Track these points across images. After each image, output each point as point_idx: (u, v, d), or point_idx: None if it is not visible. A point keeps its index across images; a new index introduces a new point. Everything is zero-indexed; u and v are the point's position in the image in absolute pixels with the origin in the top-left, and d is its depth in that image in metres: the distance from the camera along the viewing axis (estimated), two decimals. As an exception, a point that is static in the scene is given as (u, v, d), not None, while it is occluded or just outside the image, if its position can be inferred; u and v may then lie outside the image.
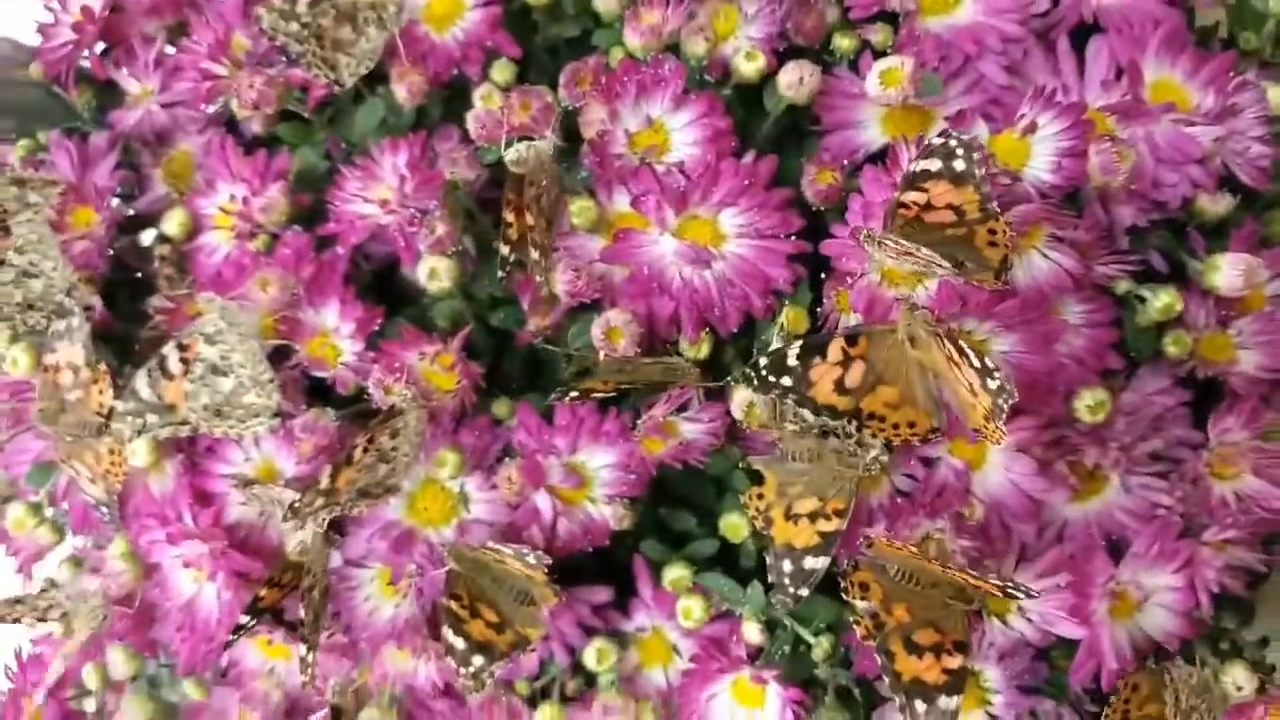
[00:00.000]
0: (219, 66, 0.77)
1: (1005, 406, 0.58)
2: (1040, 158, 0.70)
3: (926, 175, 0.63)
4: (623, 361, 0.67)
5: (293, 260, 0.73)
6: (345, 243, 0.73)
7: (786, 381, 0.65)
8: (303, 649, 0.68)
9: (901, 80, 0.67)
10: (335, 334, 0.71)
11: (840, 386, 0.65)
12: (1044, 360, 0.67)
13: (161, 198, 0.86)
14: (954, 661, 0.62)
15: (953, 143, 0.62)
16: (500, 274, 0.71)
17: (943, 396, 0.65)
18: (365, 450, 0.65)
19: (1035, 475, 0.69)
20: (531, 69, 0.80)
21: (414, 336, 0.69)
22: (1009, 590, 0.60)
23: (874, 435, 0.66)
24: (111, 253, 0.83)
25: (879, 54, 0.74)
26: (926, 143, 0.63)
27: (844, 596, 0.65)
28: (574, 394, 0.67)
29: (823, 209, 0.72)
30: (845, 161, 0.72)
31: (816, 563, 0.64)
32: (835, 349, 0.64)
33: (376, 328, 0.71)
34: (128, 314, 0.84)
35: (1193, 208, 0.71)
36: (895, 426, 0.66)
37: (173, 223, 0.78)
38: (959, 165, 0.62)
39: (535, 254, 0.69)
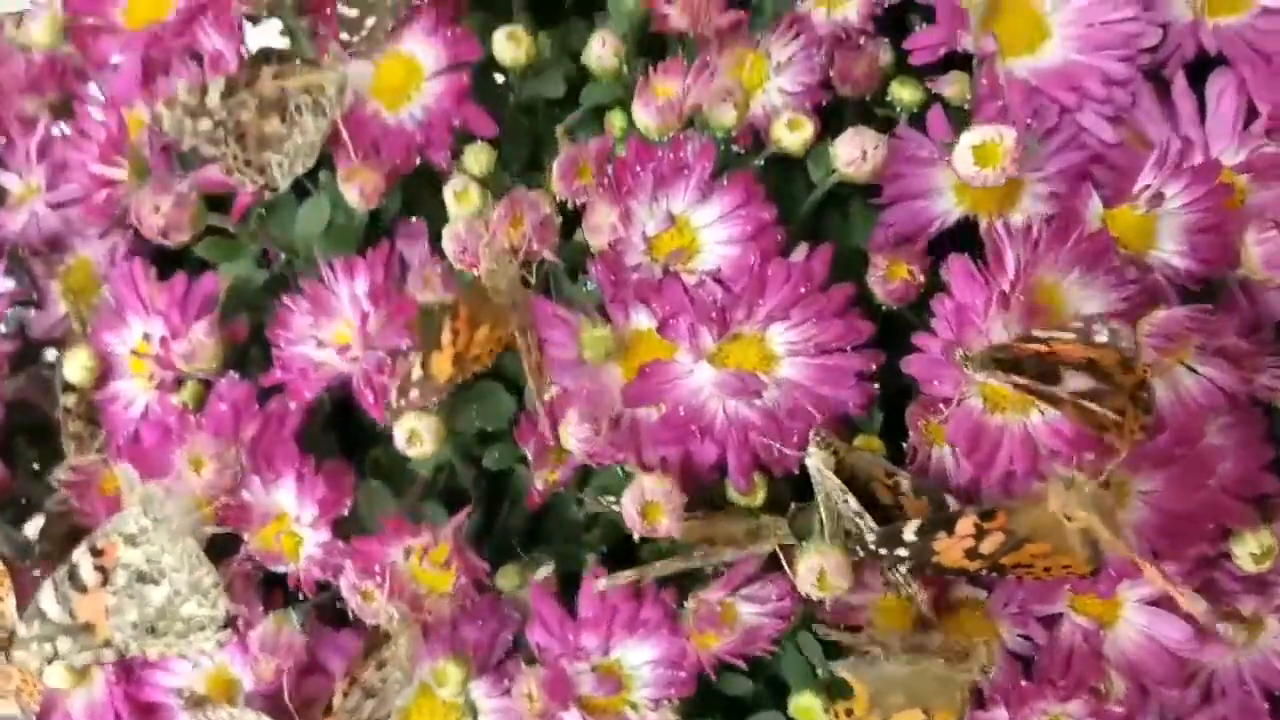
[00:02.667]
0: (114, 170, 0.61)
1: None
2: (1169, 238, 0.56)
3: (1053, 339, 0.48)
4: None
5: (230, 419, 0.57)
6: (297, 396, 0.57)
7: (902, 553, 0.51)
8: None
9: (1002, 159, 0.52)
10: (294, 520, 0.55)
11: (973, 553, 0.51)
12: (1193, 498, 0.53)
13: (61, 321, 0.70)
14: None
15: (1096, 328, 0.47)
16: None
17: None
18: (346, 694, 0.50)
19: (1184, 633, 0.55)
20: (505, 138, 0.65)
21: (396, 527, 0.54)
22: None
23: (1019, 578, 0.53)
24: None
25: (953, 108, 0.59)
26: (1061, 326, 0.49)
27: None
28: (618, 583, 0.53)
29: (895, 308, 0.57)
30: (919, 246, 0.57)
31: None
32: (966, 525, 0.50)
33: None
34: (31, 467, 0.68)
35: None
36: (1047, 569, 0.53)
37: (76, 366, 0.62)
38: (1100, 338, 0.47)
39: (537, 394, 0.54)
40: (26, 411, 0.69)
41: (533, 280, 0.54)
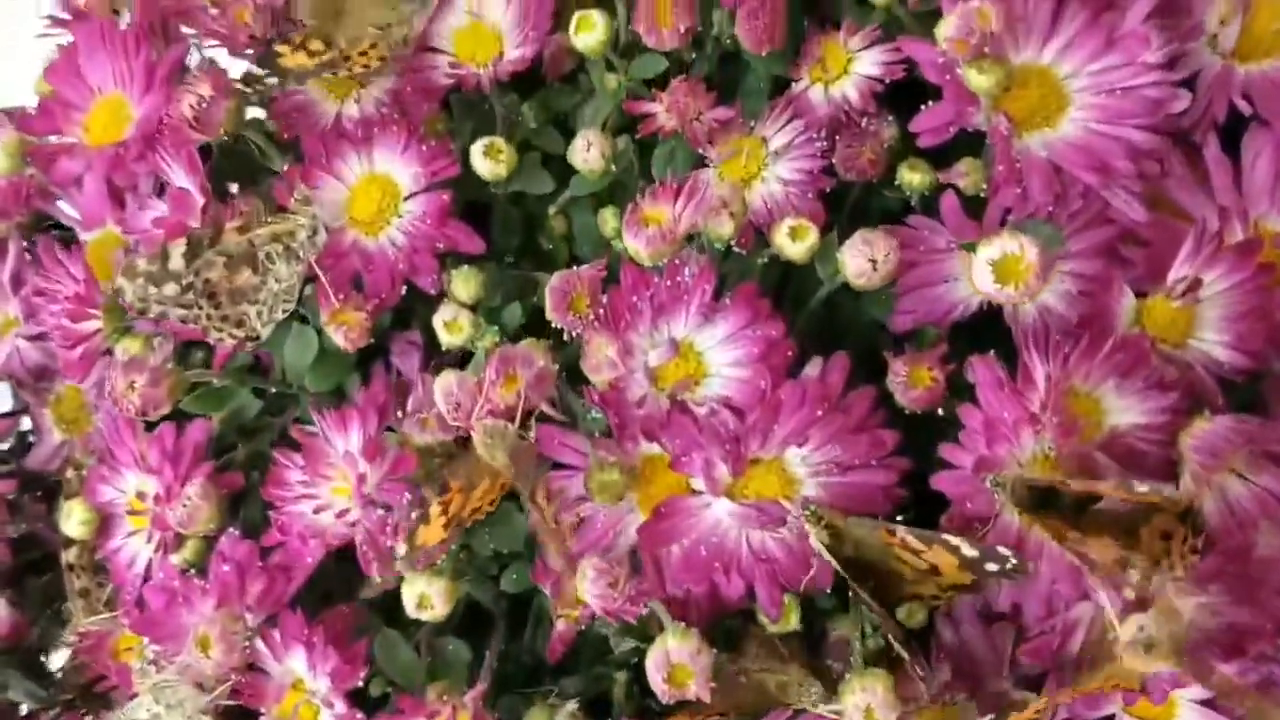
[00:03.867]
0: (88, 324, 0.58)
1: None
2: (1210, 326, 0.52)
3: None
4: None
5: (235, 579, 0.55)
6: (298, 561, 0.54)
7: None
8: None
9: (1026, 275, 0.48)
10: (310, 692, 0.53)
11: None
12: (1250, 608, 0.50)
13: (56, 449, 0.67)
14: None
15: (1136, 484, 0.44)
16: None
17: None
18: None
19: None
20: (494, 227, 0.61)
21: (410, 708, 0.51)
22: None
23: None
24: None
25: (969, 199, 0.54)
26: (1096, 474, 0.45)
27: None
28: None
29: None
30: (939, 351, 0.54)
31: None
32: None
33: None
34: (44, 608, 0.67)
35: None
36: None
37: (74, 521, 0.60)
38: (1141, 489, 0.44)
39: (557, 555, 0.51)
40: (35, 544, 0.68)
41: (530, 437, 0.50)
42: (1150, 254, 0.54)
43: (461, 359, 0.57)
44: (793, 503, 0.52)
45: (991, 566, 0.48)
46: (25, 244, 0.67)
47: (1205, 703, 0.54)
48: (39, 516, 0.67)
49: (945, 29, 0.50)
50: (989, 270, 0.49)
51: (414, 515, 0.48)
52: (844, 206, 0.58)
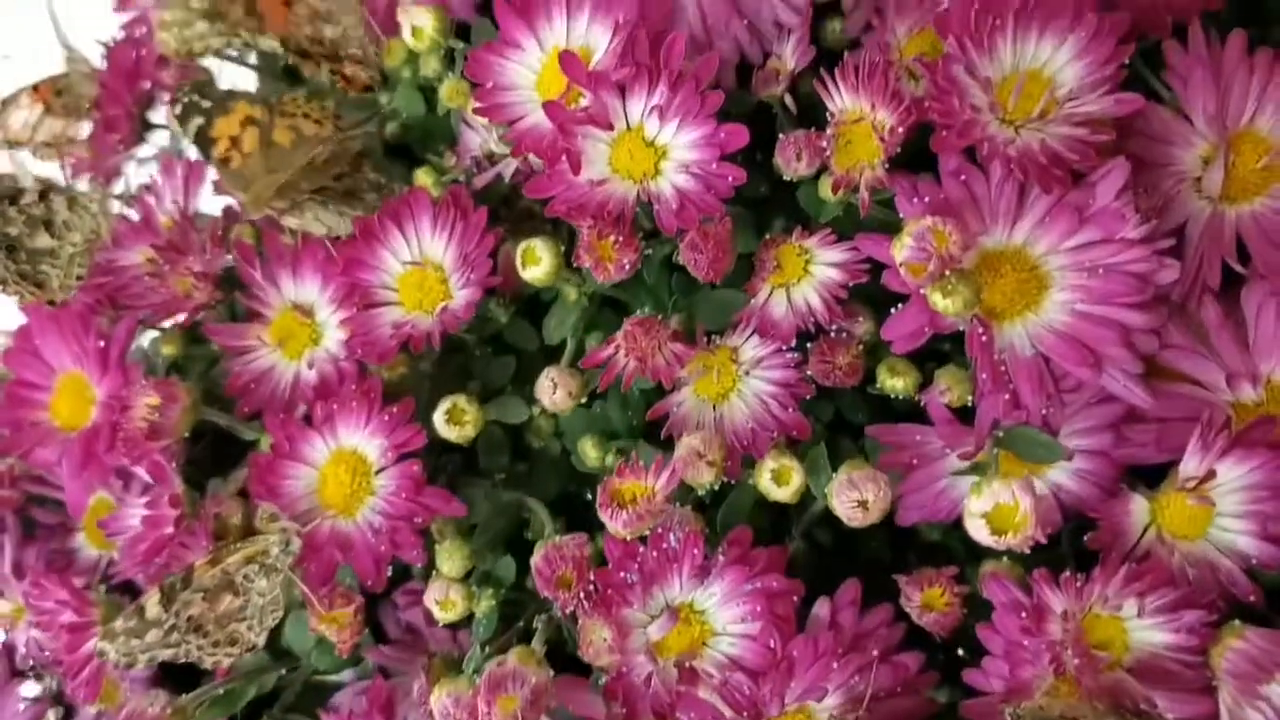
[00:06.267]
0: (89, 644, 0.57)
1: None
2: (1232, 516, 0.48)
3: None
4: None
5: None
6: None
7: None
8: None
9: (1024, 524, 0.45)
10: None
11: None
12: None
13: (94, 720, 0.67)
14: None
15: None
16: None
17: None
18: None
19: None
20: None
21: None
22: None
23: None
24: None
25: (955, 410, 0.51)
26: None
27: None
28: None
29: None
30: (949, 573, 0.51)
31: None
32: None
33: None
34: None
35: None
36: None
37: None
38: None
39: None
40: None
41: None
42: (1161, 431, 0.50)
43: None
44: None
45: None
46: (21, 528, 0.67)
47: None
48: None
49: (899, 252, 0.47)
50: (983, 525, 0.46)
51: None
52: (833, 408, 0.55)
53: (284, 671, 0.60)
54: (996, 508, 0.46)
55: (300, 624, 0.58)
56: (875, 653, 0.50)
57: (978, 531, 0.46)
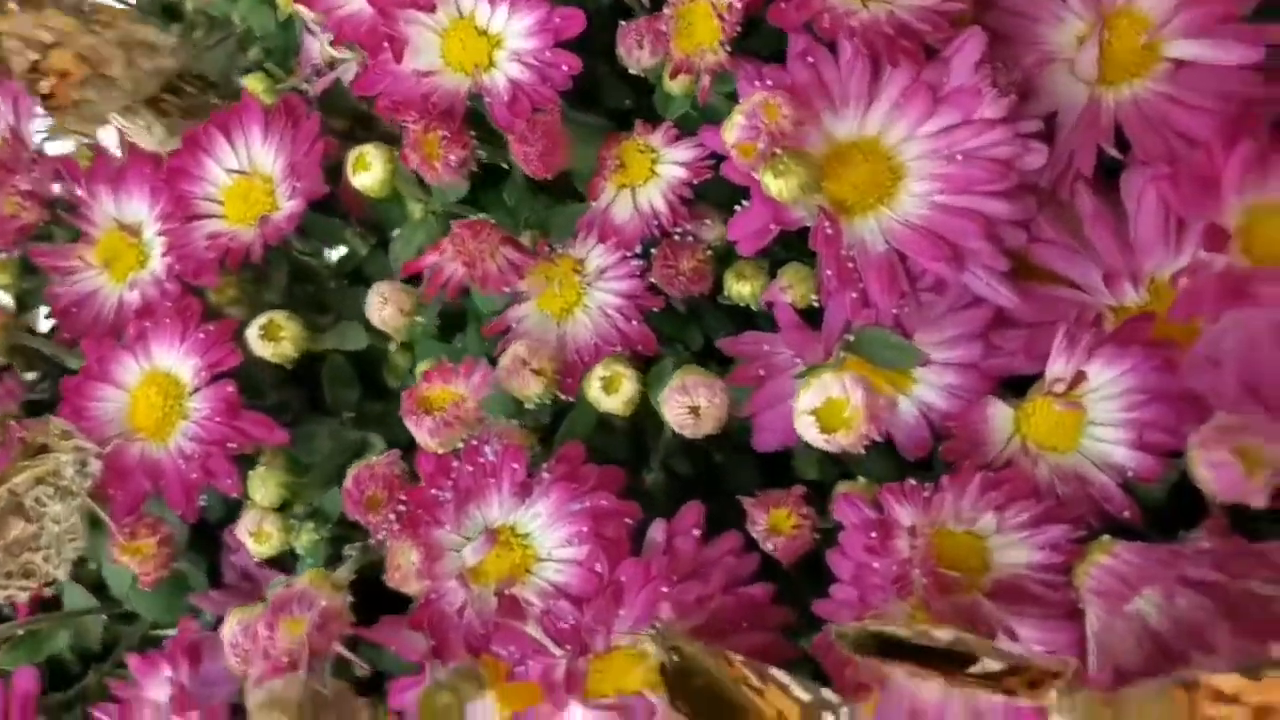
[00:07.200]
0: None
1: None
2: (1106, 424, 0.43)
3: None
4: None
5: None
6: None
7: None
8: None
9: (856, 424, 0.40)
10: None
11: None
12: None
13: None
14: None
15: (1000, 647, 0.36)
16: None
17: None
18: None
19: None
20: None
21: None
22: None
23: None
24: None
25: (804, 311, 0.47)
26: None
27: None
28: None
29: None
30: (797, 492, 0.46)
31: None
32: None
33: None
34: None
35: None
36: None
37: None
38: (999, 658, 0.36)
39: None
40: None
41: (326, 689, 0.44)
42: (1031, 337, 0.45)
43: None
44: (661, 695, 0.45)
45: (828, 717, 0.40)
46: None
47: None
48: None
49: (729, 133, 0.42)
50: (812, 423, 0.41)
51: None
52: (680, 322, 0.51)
53: (107, 619, 0.55)
54: (826, 403, 0.41)
55: (121, 573, 0.53)
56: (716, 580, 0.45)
57: (807, 430, 0.41)
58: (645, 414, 0.50)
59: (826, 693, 0.39)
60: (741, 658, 0.41)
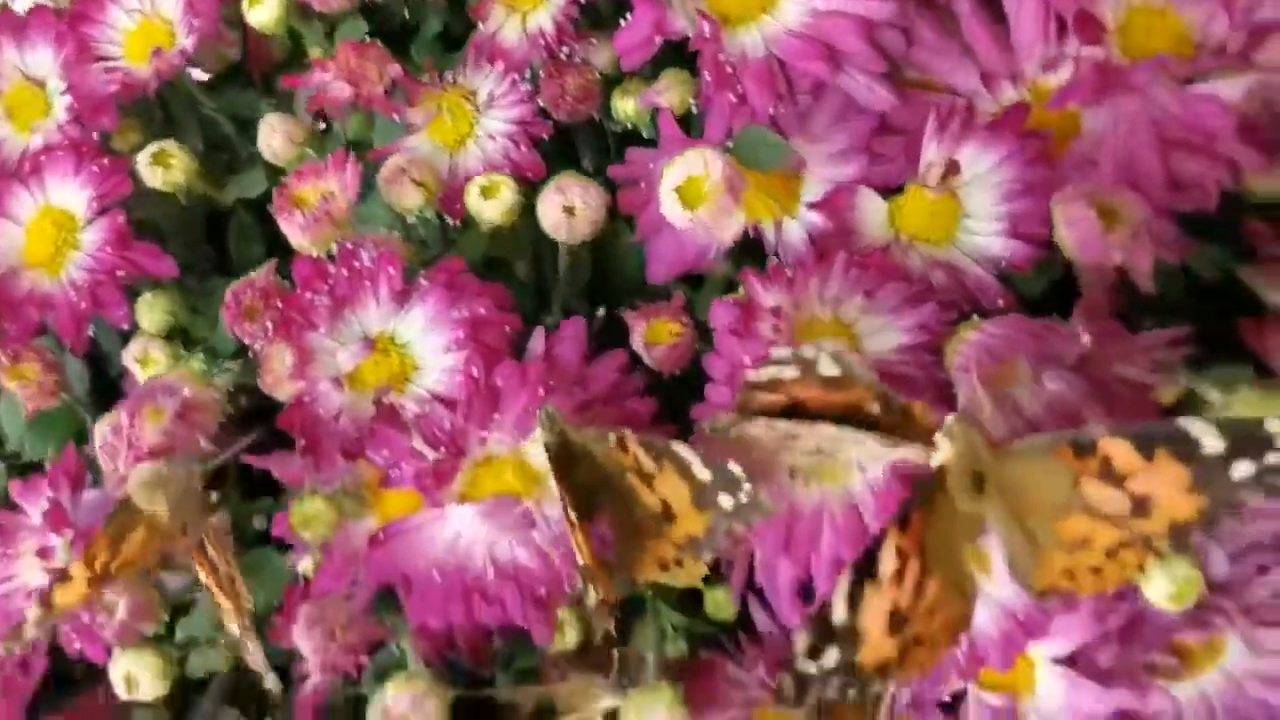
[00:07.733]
0: None
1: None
2: (980, 215, 0.43)
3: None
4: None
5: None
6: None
7: (833, 656, 0.36)
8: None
9: (713, 196, 0.40)
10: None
11: (894, 620, 0.37)
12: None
13: None
14: None
15: (813, 357, 0.36)
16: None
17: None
18: None
19: (1104, 703, 0.44)
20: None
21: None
22: None
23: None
24: None
25: (683, 118, 0.46)
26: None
27: None
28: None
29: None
30: (678, 303, 0.46)
31: None
32: (889, 553, 0.36)
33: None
34: None
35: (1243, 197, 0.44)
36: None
37: None
38: (826, 369, 0.36)
39: (235, 617, 0.44)
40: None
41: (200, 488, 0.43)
42: (910, 141, 0.45)
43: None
44: (539, 500, 0.45)
45: (725, 501, 0.39)
46: None
47: (1067, 662, 0.45)
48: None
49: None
50: (674, 199, 0.40)
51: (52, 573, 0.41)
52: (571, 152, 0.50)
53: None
54: (688, 181, 0.40)
55: (12, 404, 0.53)
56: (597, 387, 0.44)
57: (671, 209, 0.41)
58: (544, 256, 0.50)
59: (733, 467, 0.38)
60: (639, 436, 0.40)
